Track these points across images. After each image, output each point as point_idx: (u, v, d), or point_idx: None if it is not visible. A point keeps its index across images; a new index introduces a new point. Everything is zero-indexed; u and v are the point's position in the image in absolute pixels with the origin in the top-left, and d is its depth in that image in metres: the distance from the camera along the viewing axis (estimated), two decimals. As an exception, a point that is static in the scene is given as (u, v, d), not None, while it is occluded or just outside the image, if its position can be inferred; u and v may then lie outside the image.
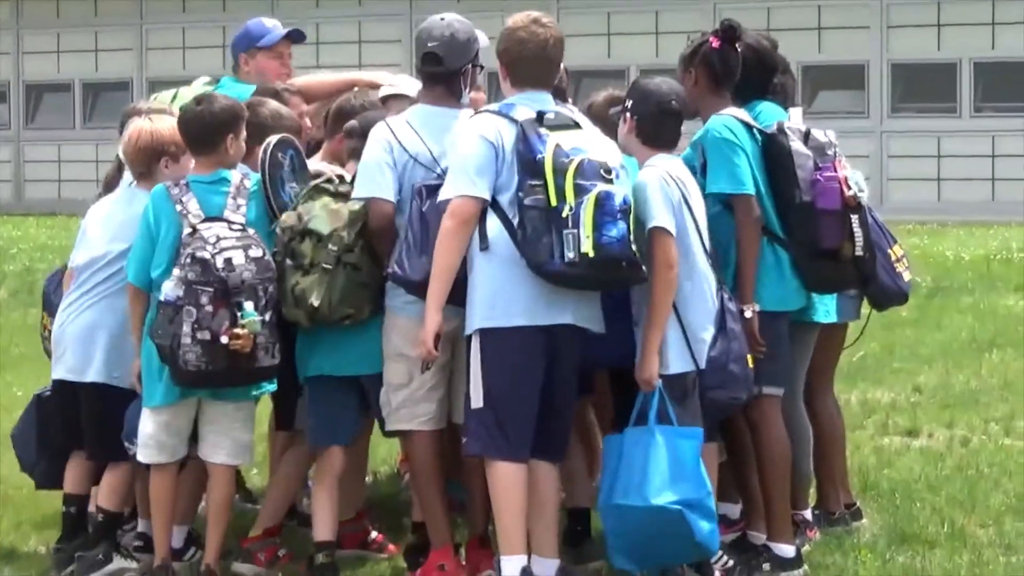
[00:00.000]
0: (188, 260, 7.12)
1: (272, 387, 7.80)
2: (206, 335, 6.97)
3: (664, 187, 7.09)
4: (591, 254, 6.59)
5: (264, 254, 7.31)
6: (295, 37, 9.93)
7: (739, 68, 7.84)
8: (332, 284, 7.36)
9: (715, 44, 7.75)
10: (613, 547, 7.19)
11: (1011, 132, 27.26)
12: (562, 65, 7.81)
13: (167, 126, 7.95)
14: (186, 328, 7.00)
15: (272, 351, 7.26)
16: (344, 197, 7.55)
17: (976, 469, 9.85)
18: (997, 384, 12.27)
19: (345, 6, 31.03)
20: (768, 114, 8.02)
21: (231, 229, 7.28)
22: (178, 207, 7.32)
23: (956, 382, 12.27)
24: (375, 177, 7.45)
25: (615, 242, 6.63)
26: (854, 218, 7.59)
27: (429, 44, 7.69)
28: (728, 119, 7.64)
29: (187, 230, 7.21)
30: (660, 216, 6.96)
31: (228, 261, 7.08)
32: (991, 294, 16.90)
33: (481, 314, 6.91)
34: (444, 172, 7.28)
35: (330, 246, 7.30)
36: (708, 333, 7.17)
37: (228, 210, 7.37)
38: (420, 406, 7.56)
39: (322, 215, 7.40)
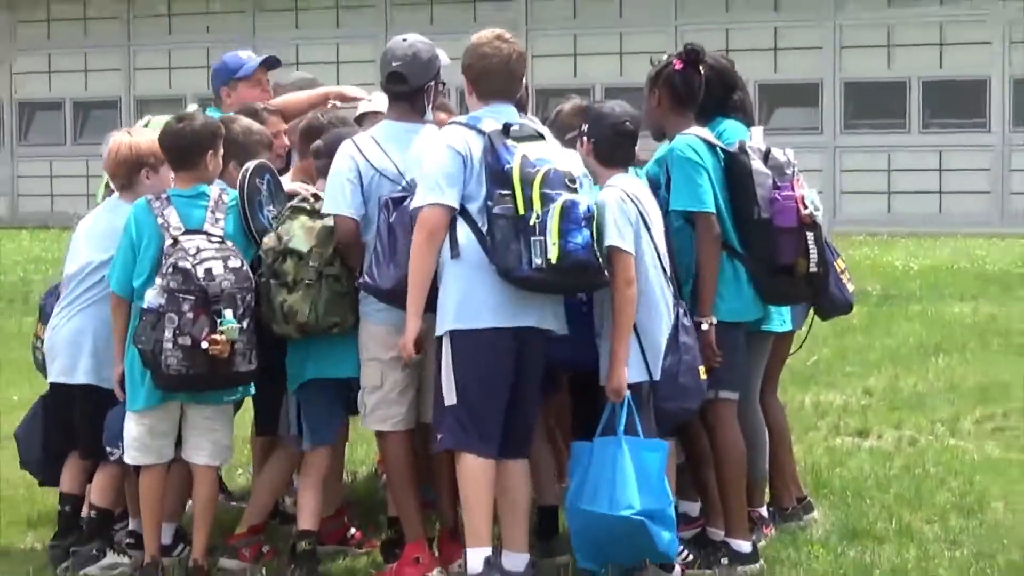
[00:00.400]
0: (170, 270, 7.23)
1: (250, 391, 7.91)
2: (187, 340, 7.07)
3: (622, 206, 7.20)
4: (557, 260, 6.69)
5: (242, 265, 7.44)
6: (271, 64, 10.04)
7: (701, 89, 7.91)
8: (317, 298, 7.46)
9: (678, 66, 7.81)
10: (577, 547, 7.33)
11: (957, 147, 27.31)
12: (523, 80, 7.87)
13: (146, 139, 8.13)
14: (168, 334, 7.10)
15: (249, 357, 7.37)
16: (320, 215, 7.65)
17: (923, 468, 9.93)
18: (943, 387, 12.31)
19: (323, 27, 31.00)
20: (732, 132, 8.08)
21: (210, 241, 7.38)
22: (159, 220, 7.43)
23: (904, 385, 12.31)
24: (338, 194, 7.56)
25: (580, 248, 6.73)
26: (810, 235, 7.65)
27: (393, 64, 7.83)
28: (692, 138, 7.71)
29: (168, 241, 7.32)
30: (618, 236, 7.07)
31: (208, 271, 7.19)
32: (938, 302, 16.92)
33: (452, 317, 7.02)
34: (409, 185, 7.40)
35: (311, 263, 7.41)
36: (661, 344, 7.28)
37: (207, 223, 7.46)
38: (392, 408, 7.69)
39: (300, 234, 7.50)
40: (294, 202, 7.86)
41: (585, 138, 7.51)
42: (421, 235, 6.93)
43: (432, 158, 7.09)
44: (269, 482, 8.25)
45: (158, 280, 7.28)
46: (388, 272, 7.25)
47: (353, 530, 8.49)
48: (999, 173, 27.21)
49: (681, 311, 7.39)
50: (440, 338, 7.07)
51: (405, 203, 7.31)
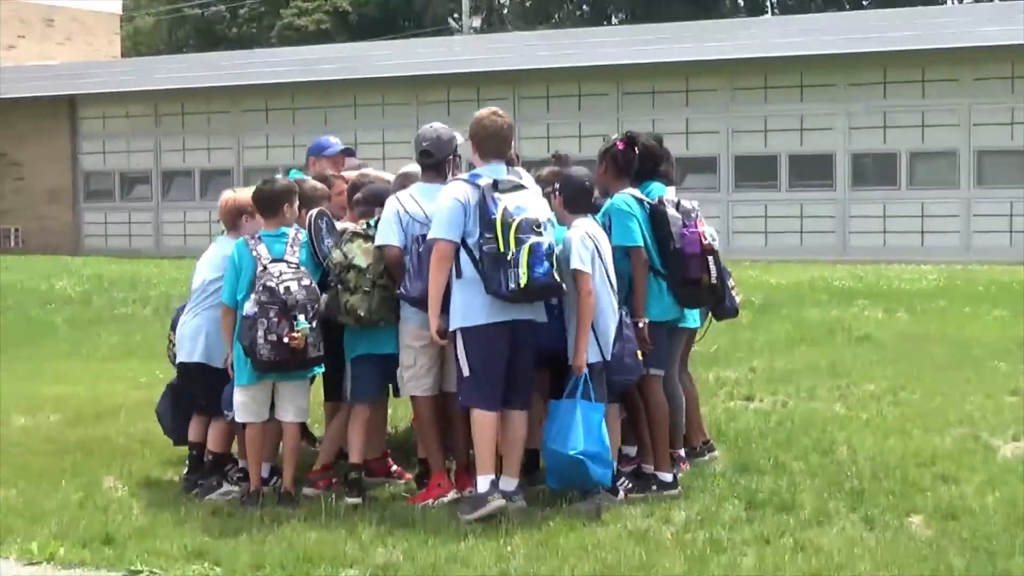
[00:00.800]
0: (261, 288, 7.75)
1: (320, 370, 8.35)
2: (274, 337, 7.61)
3: (583, 241, 7.73)
4: (525, 285, 7.26)
5: (311, 283, 7.93)
6: (347, 152, 10.25)
7: (636, 163, 8.42)
8: (371, 300, 7.86)
9: (620, 146, 8.37)
10: (549, 474, 7.83)
11: (814, 200, 27.42)
12: (512, 144, 8.21)
13: (244, 195, 8.74)
14: (260, 333, 7.64)
15: (318, 347, 7.86)
16: (373, 239, 8.00)
17: (791, 422, 9.97)
18: (805, 367, 12.36)
19: (374, 120, 30.79)
20: (656, 191, 8.46)
21: (289, 267, 7.87)
22: (253, 252, 7.94)
23: (778, 366, 12.38)
24: (387, 231, 7.91)
25: (541, 276, 7.28)
26: (710, 258, 8.10)
27: (423, 144, 8.20)
28: (626, 196, 8.29)
29: (260, 267, 7.85)
30: (580, 261, 7.58)
31: (287, 288, 7.71)
32: (800, 309, 17.09)
33: (459, 318, 7.62)
34: (429, 225, 7.75)
35: (367, 275, 7.81)
36: (611, 336, 7.70)
37: (287, 254, 7.98)
38: (421, 380, 8.11)
39: (359, 253, 7.93)
40: (356, 229, 8.25)
41: (558, 193, 7.95)
42: (434, 260, 7.51)
43: (442, 205, 7.61)
44: (335, 433, 8.54)
45: (253, 295, 7.80)
46: (416, 285, 7.69)
47: (395, 467, 8.76)
48: (842, 219, 27.14)
49: (623, 313, 7.74)
50: (453, 333, 7.57)
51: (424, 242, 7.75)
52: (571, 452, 7.43)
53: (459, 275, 7.55)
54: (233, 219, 8.64)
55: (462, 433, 8.07)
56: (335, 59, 34.32)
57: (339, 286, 7.89)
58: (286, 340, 7.63)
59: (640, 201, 8.26)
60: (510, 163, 8.08)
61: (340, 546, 6.91)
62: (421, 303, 7.65)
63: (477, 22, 63.39)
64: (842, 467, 8.36)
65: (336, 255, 7.99)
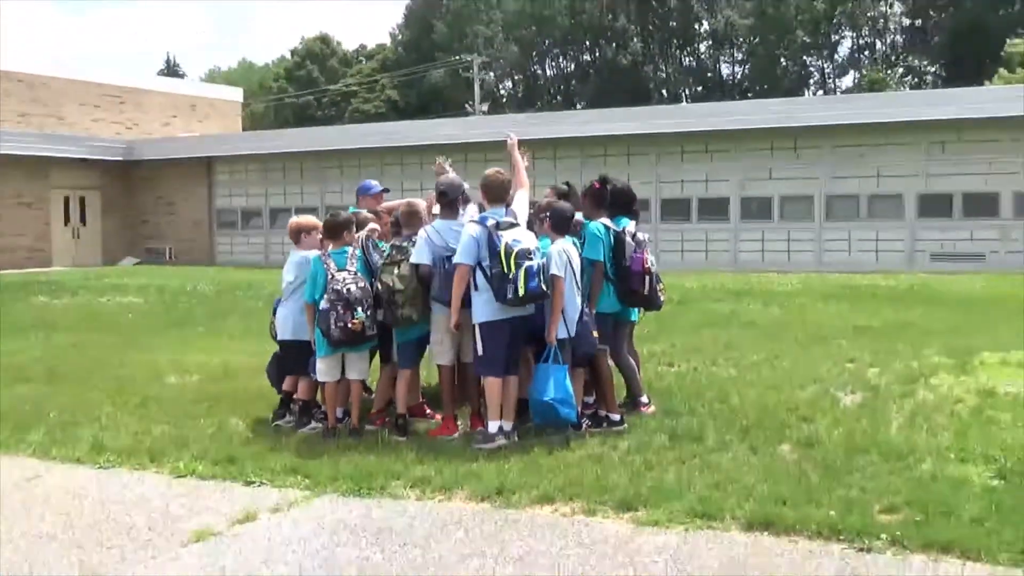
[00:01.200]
0: (331, 290, 7.80)
1: (375, 344, 8.24)
2: (341, 324, 7.68)
3: (559, 255, 7.66)
4: (522, 295, 7.35)
5: (365, 284, 7.91)
6: (385, 190, 10.08)
7: (608, 198, 8.53)
8: (416, 311, 7.92)
9: (596, 186, 8.53)
10: (533, 413, 7.75)
11: (716, 229, 27.22)
12: (509, 193, 8.09)
13: (303, 220, 8.89)
14: (332, 321, 7.72)
15: (372, 328, 7.87)
16: (400, 264, 7.98)
17: (700, 381, 9.87)
18: (709, 343, 12.25)
19: (414, 174, 30.53)
20: (623, 222, 8.37)
21: (349, 274, 7.89)
22: (325, 265, 7.95)
23: (691, 343, 12.24)
24: (421, 253, 7.84)
25: (533, 288, 7.35)
26: (647, 277, 8.17)
27: (441, 187, 8.26)
28: (598, 224, 8.25)
29: (330, 276, 7.86)
30: (557, 269, 7.53)
31: (348, 290, 7.75)
32: (706, 304, 16.85)
33: (478, 315, 7.63)
34: (449, 249, 7.77)
35: (407, 292, 7.86)
36: (575, 320, 7.68)
37: (348, 265, 8.00)
38: (445, 355, 8.17)
39: (396, 280, 7.86)
40: (403, 244, 8.11)
41: (548, 221, 7.86)
42: (457, 277, 7.57)
43: (463, 240, 7.58)
44: (384, 387, 8.58)
45: (325, 295, 7.80)
46: (444, 292, 7.73)
47: (429, 411, 8.67)
48: (733, 243, 27.07)
49: (584, 305, 7.72)
50: (475, 325, 7.64)
51: (451, 257, 7.70)
52: (546, 399, 7.49)
53: (475, 288, 7.54)
54: (296, 235, 8.67)
55: (474, 391, 8.10)
56: (387, 133, 34.32)
57: (391, 306, 7.84)
58: (350, 326, 7.67)
59: (608, 228, 8.24)
60: (507, 204, 8.00)
61: (390, 465, 6.93)
62: (448, 303, 7.67)
63: (485, 107, 63.35)
64: (735, 412, 8.31)
65: (385, 279, 7.89)
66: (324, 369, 8.13)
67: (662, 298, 8.70)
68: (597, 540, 5.49)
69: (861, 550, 5.20)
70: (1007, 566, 4.91)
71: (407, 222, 8.40)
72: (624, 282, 8.21)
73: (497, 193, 7.89)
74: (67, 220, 34.95)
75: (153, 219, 36.40)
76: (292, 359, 8.66)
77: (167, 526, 5.89)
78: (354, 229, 8.44)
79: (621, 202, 8.62)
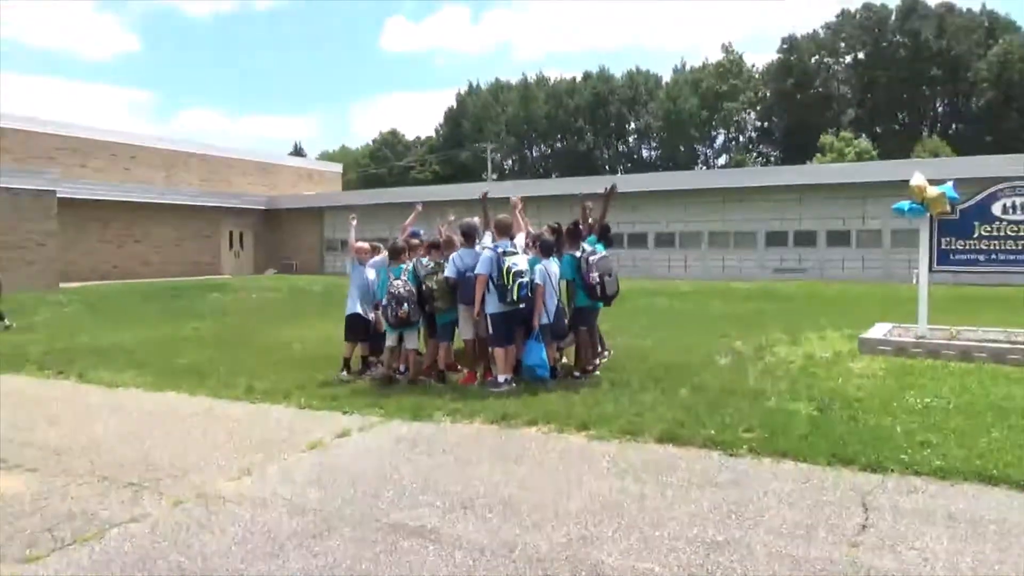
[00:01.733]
0: (388, 292, 7.59)
1: (420, 325, 7.97)
2: (394, 313, 7.49)
3: (542, 270, 7.42)
4: (516, 299, 7.24)
5: (411, 288, 7.61)
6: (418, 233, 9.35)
7: (583, 231, 8.13)
8: (445, 301, 7.68)
9: (571, 228, 8.13)
10: (523, 372, 7.51)
11: (640, 253, 26.94)
12: (513, 230, 7.81)
13: (359, 244, 8.46)
14: (389, 312, 7.54)
15: (416, 316, 7.66)
16: (438, 273, 7.74)
17: (631, 349, 9.60)
18: (636, 325, 12.06)
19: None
20: (601, 248, 7.95)
21: (402, 282, 7.60)
22: (390, 276, 7.76)
23: (623, 324, 11.99)
24: (451, 269, 7.59)
25: (523, 294, 7.25)
26: (599, 284, 7.64)
27: (466, 228, 7.86)
28: (568, 255, 7.89)
29: (390, 282, 7.66)
30: (539, 279, 7.36)
31: (399, 292, 7.51)
32: (634, 299, 16.59)
33: (488, 308, 7.36)
34: (468, 268, 7.48)
35: (441, 291, 7.67)
36: (552, 312, 7.47)
37: (402, 275, 7.68)
38: (467, 332, 7.85)
39: (435, 284, 7.66)
40: (439, 260, 7.90)
41: (537, 246, 7.69)
42: (479, 283, 7.26)
43: (482, 260, 7.31)
44: (431, 352, 8.12)
45: (385, 295, 7.59)
46: (465, 294, 7.54)
47: (458, 367, 8.25)
48: (650, 262, 26.94)
49: (559, 302, 7.56)
50: (487, 315, 7.33)
51: (469, 274, 7.46)
52: (529, 364, 7.44)
53: (488, 291, 7.36)
54: (359, 256, 8.28)
55: (486, 355, 7.81)
56: (431, 193, 34.20)
57: (431, 300, 7.66)
58: (399, 315, 7.47)
59: (575, 257, 7.75)
60: (511, 237, 7.72)
61: (434, 401, 6.89)
62: (470, 302, 7.48)
63: (495, 176, 63.08)
64: (650, 368, 8.17)
65: (428, 284, 7.67)
66: (389, 340, 7.94)
67: (613, 296, 8.02)
68: (565, 448, 5.47)
69: (731, 455, 5.19)
70: (822, 465, 4.91)
71: (446, 247, 8.25)
72: (587, 288, 7.81)
73: (504, 231, 7.66)
74: (231, 246, 34.90)
75: (285, 245, 36.29)
76: (357, 325, 8.24)
77: (292, 439, 5.86)
78: (407, 253, 8.14)
79: (601, 234, 8.36)
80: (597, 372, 7.95)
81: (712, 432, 5.58)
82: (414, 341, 8.02)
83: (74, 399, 7.51)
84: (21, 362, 9.58)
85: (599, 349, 8.33)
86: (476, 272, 7.38)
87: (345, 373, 8.23)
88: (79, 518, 4.23)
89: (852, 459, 4.93)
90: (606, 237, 8.48)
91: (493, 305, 7.39)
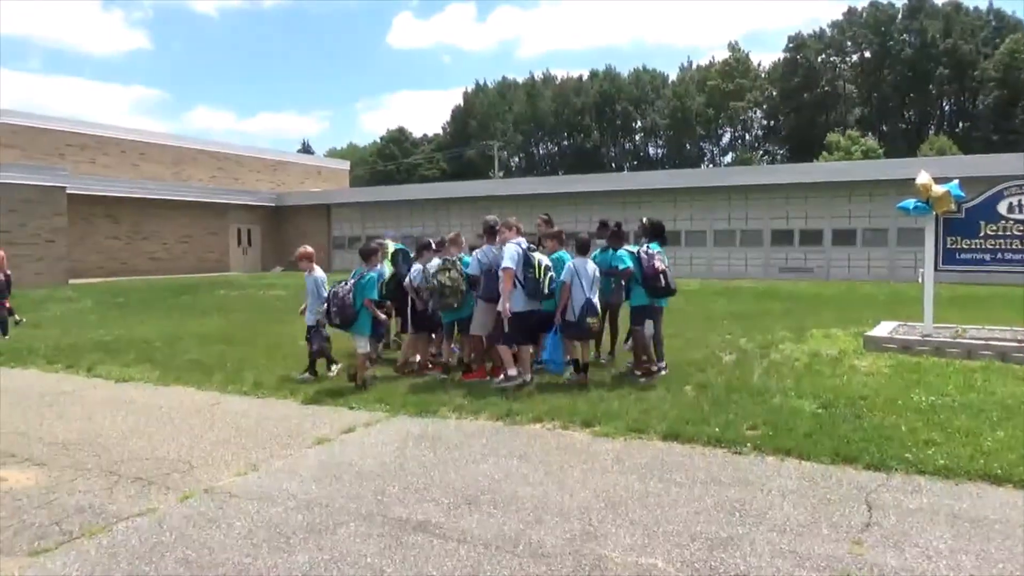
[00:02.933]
0: (331, 293, 7.55)
1: (368, 331, 7.56)
2: (332, 315, 7.54)
3: (570, 268, 7.24)
4: (548, 293, 7.21)
5: (350, 290, 7.38)
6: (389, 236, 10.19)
7: (623, 237, 8.22)
8: (458, 298, 7.63)
9: (614, 226, 8.26)
10: (547, 366, 7.47)
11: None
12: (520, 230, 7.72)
13: (300, 251, 8.37)
14: (331, 313, 7.62)
15: (353, 318, 7.44)
16: (449, 271, 7.61)
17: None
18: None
19: (455, 217, 30.31)
20: (656, 246, 7.74)
21: (347, 285, 7.42)
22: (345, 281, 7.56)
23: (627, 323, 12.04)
24: (474, 267, 7.61)
25: (553, 287, 7.22)
26: (662, 276, 7.51)
27: (488, 222, 7.87)
28: (623, 251, 7.81)
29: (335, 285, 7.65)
30: (564, 277, 7.21)
31: (340, 293, 7.45)
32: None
33: (513, 306, 7.19)
34: (493, 263, 7.43)
35: (451, 287, 7.59)
36: (578, 310, 7.14)
37: (348, 281, 7.55)
38: (480, 329, 7.68)
39: (447, 280, 7.55)
40: (449, 259, 7.75)
41: (572, 244, 7.59)
42: (505, 276, 7.17)
43: (508, 253, 7.16)
44: (412, 346, 8.25)
45: (329, 297, 7.70)
46: (485, 291, 7.51)
47: (447, 364, 8.17)
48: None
49: (588, 300, 7.16)
50: (511, 314, 7.23)
51: (493, 270, 7.41)
52: (544, 358, 7.45)
53: (515, 286, 7.16)
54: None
55: (495, 353, 7.63)
56: (439, 189, 34.26)
57: (442, 296, 7.53)
58: (336, 318, 7.41)
59: (629, 252, 7.66)
60: (522, 234, 7.66)
61: (439, 397, 6.89)
62: (490, 299, 7.40)
63: (502, 173, 63.12)
64: (673, 366, 8.17)
65: (441, 279, 7.50)
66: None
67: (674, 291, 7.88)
68: (569, 444, 5.46)
69: (735, 453, 5.18)
70: (826, 463, 4.89)
71: (453, 243, 8.15)
72: (647, 281, 7.53)
73: (514, 231, 7.52)
74: (239, 243, 34.97)
75: (293, 242, 36.21)
76: (316, 334, 8.00)
77: (299, 434, 5.88)
78: (377, 256, 7.89)
79: (654, 232, 7.96)
80: (663, 373, 7.66)
81: (717, 430, 5.57)
82: (363, 345, 7.52)
83: (82, 394, 7.54)
84: (31, 357, 9.63)
85: (658, 352, 7.90)
86: (504, 267, 7.16)
87: (307, 374, 7.90)
88: (87, 512, 4.25)
89: (856, 457, 4.91)
90: (662, 236, 8.05)
91: (516, 302, 7.20)
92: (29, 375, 8.61)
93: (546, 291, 7.20)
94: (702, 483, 4.57)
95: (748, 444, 5.27)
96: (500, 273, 7.26)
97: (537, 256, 7.24)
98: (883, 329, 9.75)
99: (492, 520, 4.03)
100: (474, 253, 7.72)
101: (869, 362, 8.29)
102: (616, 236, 8.12)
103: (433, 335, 8.37)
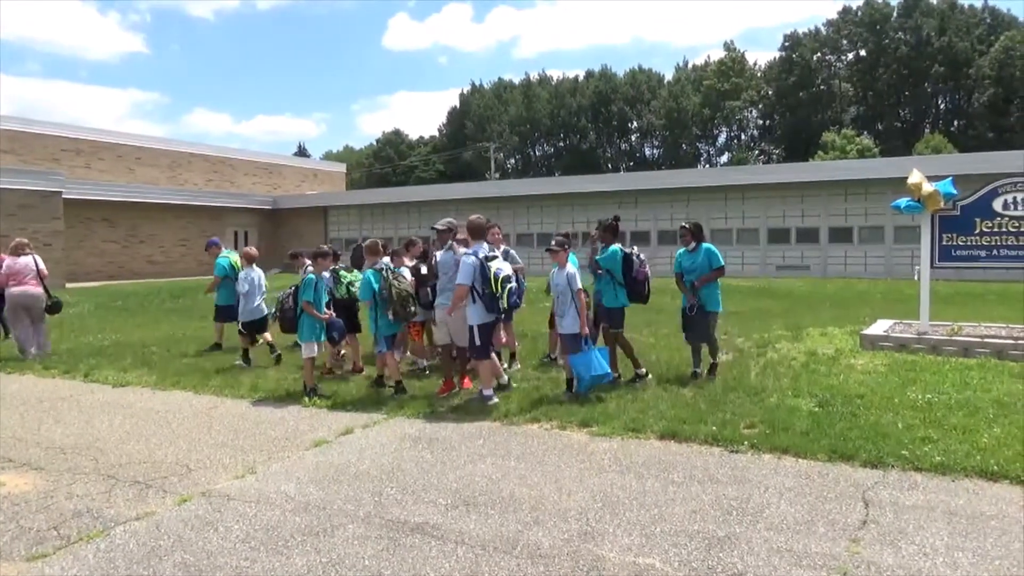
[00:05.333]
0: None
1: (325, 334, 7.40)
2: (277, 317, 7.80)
3: (575, 275, 6.79)
4: (506, 308, 6.64)
5: (290, 295, 7.54)
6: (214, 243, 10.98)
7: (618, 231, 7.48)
8: (404, 307, 7.19)
9: (614, 223, 7.47)
10: (587, 384, 6.85)
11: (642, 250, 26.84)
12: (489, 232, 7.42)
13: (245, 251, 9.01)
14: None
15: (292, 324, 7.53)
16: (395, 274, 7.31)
17: (638, 352, 9.53)
18: (637, 321, 11.95)
19: (451, 215, 30.30)
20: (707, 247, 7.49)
21: (289, 291, 7.83)
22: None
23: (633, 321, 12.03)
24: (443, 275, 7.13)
25: (514, 301, 6.70)
26: (645, 282, 7.40)
27: (439, 226, 7.43)
28: (615, 248, 7.39)
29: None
30: (580, 284, 6.80)
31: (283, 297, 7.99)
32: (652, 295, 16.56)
33: (474, 319, 6.69)
34: (452, 269, 6.97)
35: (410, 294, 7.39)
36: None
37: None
38: (443, 339, 7.29)
39: (403, 285, 7.25)
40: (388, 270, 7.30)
41: (564, 248, 6.88)
42: (460, 292, 6.58)
43: (463, 267, 6.60)
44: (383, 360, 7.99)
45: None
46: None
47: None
48: (653, 259, 26.83)
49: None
50: (471, 327, 6.65)
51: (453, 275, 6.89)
52: (597, 374, 6.71)
53: (473, 301, 6.60)
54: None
55: (462, 365, 7.24)
56: (436, 191, 34.26)
57: (404, 305, 7.15)
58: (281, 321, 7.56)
59: (622, 250, 7.37)
60: (490, 241, 7.31)
61: (437, 401, 6.87)
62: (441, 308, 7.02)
63: (498, 175, 63.11)
64: (652, 365, 8.06)
65: (403, 287, 7.20)
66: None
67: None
68: (566, 444, 5.47)
69: (732, 451, 5.18)
70: (822, 461, 4.90)
71: (407, 251, 7.97)
72: (631, 284, 7.35)
73: (480, 233, 7.01)
74: (236, 246, 34.97)
75: (289, 244, 36.18)
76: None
77: (296, 437, 5.88)
78: (330, 259, 7.87)
79: (697, 234, 7.58)
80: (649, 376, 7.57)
81: (713, 429, 5.57)
82: (308, 350, 7.33)
83: (80, 398, 7.52)
84: (28, 361, 9.60)
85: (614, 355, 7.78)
86: (457, 282, 6.68)
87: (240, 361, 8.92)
88: (85, 516, 4.25)
89: (853, 455, 4.92)
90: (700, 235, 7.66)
91: (478, 316, 6.71)
92: (26, 380, 8.59)
93: (504, 305, 6.64)
94: (699, 482, 4.58)
95: (745, 443, 5.27)
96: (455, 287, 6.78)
97: (495, 267, 6.64)
98: (879, 327, 9.77)
99: (490, 521, 4.03)
100: (435, 257, 7.29)
101: (866, 360, 8.30)
102: (612, 231, 7.58)
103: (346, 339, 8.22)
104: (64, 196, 25.34)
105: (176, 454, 5.44)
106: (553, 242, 6.98)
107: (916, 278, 9.94)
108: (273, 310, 8.07)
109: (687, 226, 7.62)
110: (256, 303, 9.28)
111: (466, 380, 7.36)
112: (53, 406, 7.15)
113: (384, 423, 6.24)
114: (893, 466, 4.73)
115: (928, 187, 9.08)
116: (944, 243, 9.29)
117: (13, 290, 9.91)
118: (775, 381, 7.26)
